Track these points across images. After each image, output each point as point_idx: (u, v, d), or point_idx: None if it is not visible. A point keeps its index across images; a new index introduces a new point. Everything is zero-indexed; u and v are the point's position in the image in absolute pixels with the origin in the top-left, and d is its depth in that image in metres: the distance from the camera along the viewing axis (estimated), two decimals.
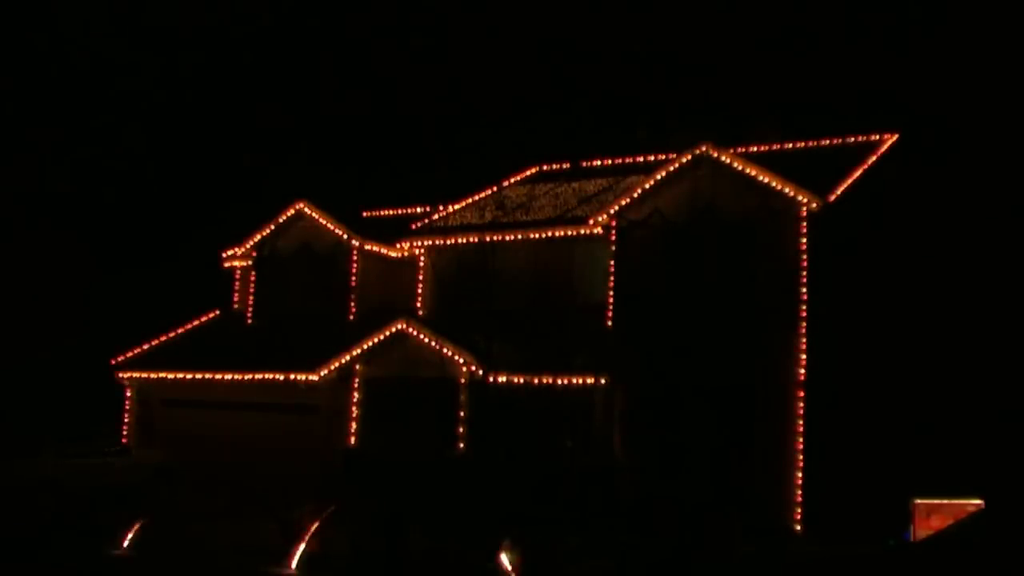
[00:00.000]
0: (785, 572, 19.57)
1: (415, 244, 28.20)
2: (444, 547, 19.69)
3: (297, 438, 26.21)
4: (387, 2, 51.05)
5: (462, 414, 24.61)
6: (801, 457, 22.27)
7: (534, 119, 44.78)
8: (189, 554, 20.20)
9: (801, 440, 22.31)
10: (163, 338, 30.23)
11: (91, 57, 45.79)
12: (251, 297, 30.29)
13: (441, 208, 30.31)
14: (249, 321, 30.12)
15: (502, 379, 23.88)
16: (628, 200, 24.64)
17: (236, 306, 31.28)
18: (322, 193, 31.59)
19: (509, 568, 18.10)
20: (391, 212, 32.72)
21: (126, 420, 29.52)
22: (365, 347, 25.57)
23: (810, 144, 28.06)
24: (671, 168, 24.17)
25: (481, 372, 24.20)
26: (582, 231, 25.55)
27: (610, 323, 24.60)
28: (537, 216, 27.36)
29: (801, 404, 22.42)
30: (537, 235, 26.42)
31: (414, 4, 51.00)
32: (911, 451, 23.16)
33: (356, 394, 25.94)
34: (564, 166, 32.17)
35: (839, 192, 23.37)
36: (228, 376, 27.21)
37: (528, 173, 32.35)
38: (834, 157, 26.16)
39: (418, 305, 27.97)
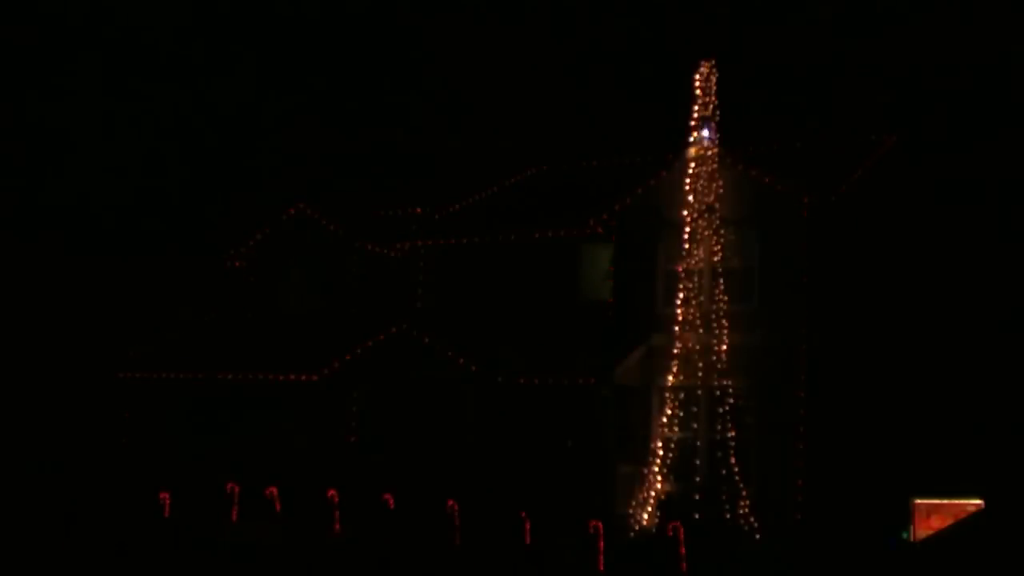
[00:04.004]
0: (785, 572, 19.59)
1: (415, 244, 28.19)
2: None
3: (297, 438, 26.18)
4: (387, 1, 51.04)
5: (462, 414, 24.62)
6: (801, 457, 22.29)
7: (534, 119, 44.77)
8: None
9: (801, 440, 22.33)
10: (163, 338, 30.20)
11: (91, 55, 45.79)
12: (251, 297, 30.28)
13: (441, 208, 30.30)
14: (249, 321, 30.11)
15: (502, 379, 23.89)
16: (628, 200, 24.66)
17: (236, 306, 31.26)
18: (322, 193, 31.58)
19: None
20: (391, 212, 32.70)
21: (126, 420, 29.47)
22: (365, 347, 25.57)
23: (810, 144, 28.07)
24: (671, 168, 24.18)
25: (481, 372, 24.19)
26: (582, 231, 25.54)
27: (610, 323, 24.62)
28: (537, 216, 27.37)
29: (801, 404, 22.43)
30: (537, 235, 26.43)
31: (414, 4, 51.01)
32: (911, 451, 23.19)
33: (356, 394, 25.93)
34: (564, 166, 32.19)
35: (839, 192, 23.38)
36: (228, 376, 27.19)
37: (528, 173, 32.36)
38: (834, 157, 26.16)
39: (418, 305, 27.97)
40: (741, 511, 21.77)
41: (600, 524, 19.38)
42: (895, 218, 25.82)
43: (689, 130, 23.43)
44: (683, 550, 19.14)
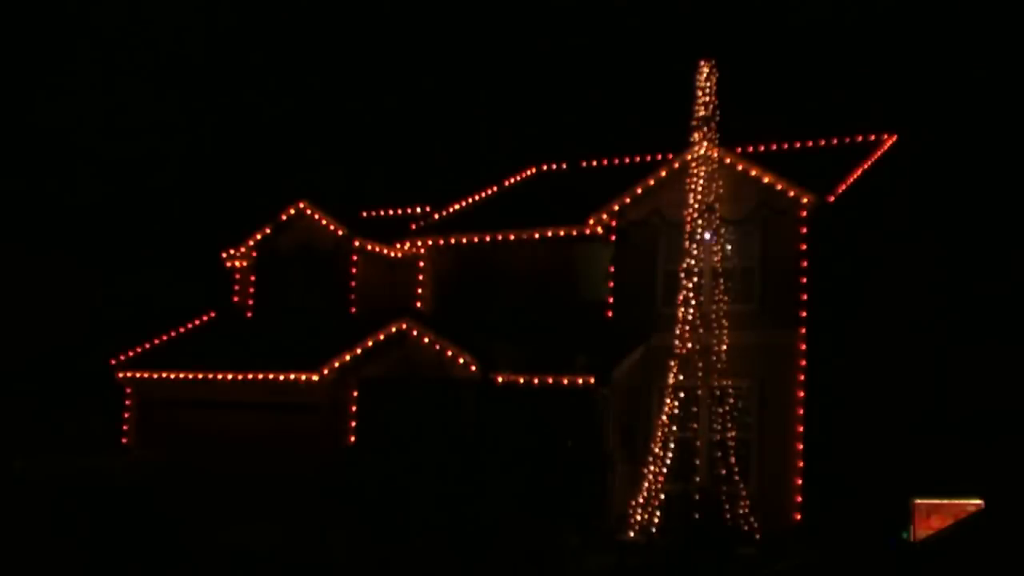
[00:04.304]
0: (785, 572, 19.59)
1: (415, 244, 28.19)
2: None
3: (297, 438, 26.19)
4: (387, 1, 51.03)
5: (463, 414, 24.60)
6: (801, 457, 22.29)
7: (534, 119, 44.79)
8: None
9: (801, 440, 22.33)
10: (163, 338, 30.21)
11: (90, 56, 45.79)
12: (251, 297, 30.29)
13: (441, 208, 30.30)
14: (249, 321, 30.12)
15: (502, 379, 23.89)
16: (628, 200, 24.66)
17: (236, 306, 31.26)
18: (322, 193, 31.57)
19: None
20: (391, 212, 32.73)
21: (126, 420, 29.50)
22: (365, 347, 25.57)
23: (810, 144, 28.08)
24: (671, 168, 24.19)
25: (481, 372, 24.19)
26: (582, 231, 25.54)
27: (610, 323, 24.61)
28: (537, 216, 27.37)
29: (801, 404, 22.43)
30: (537, 235, 26.43)
31: (415, 3, 50.99)
32: (911, 451, 23.19)
33: (356, 394, 25.92)
34: (564, 166, 32.19)
35: (839, 192, 23.38)
36: (228, 376, 27.19)
37: (528, 173, 32.35)
38: (834, 157, 26.17)
39: (418, 305, 27.97)
40: (741, 511, 21.78)
41: (600, 524, 19.39)
42: (895, 218, 25.82)
43: (689, 130, 23.45)
44: (683, 550, 19.14)
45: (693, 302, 22.77)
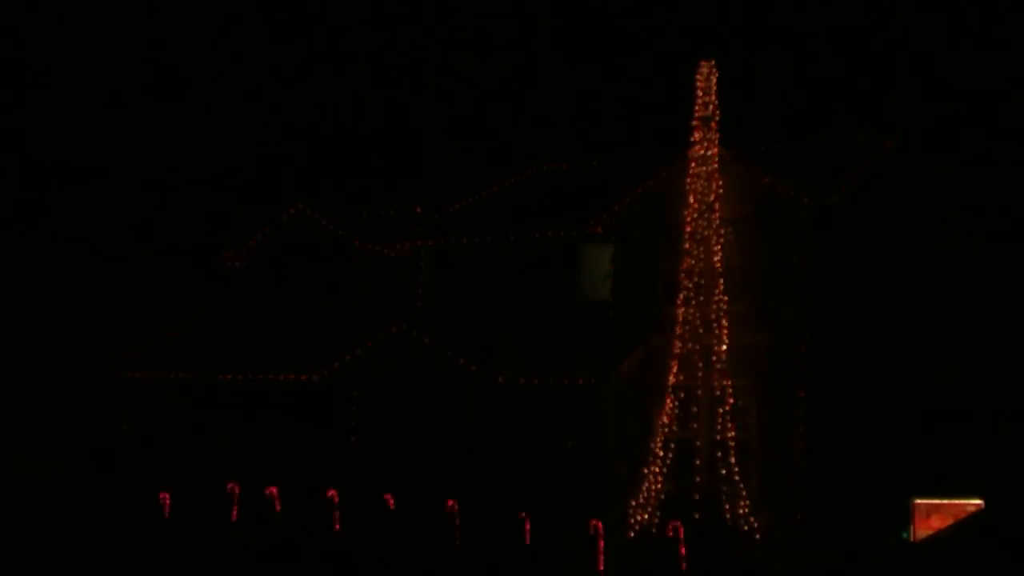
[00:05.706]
0: (785, 572, 19.60)
1: (415, 244, 28.18)
2: None
3: (297, 439, 26.19)
4: (388, 1, 51.03)
5: (463, 414, 24.60)
6: (801, 457, 22.30)
7: (534, 119, 44.78)
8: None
9: (801, 440, 22.34)
10: (163, 338, 30.20)
11: (90, 55, 45.80)
12: (251, 297, 30.29)
13: (441, 208, 30.30)
14: (249, 321, 30.12)
15: (502, 379, 23.90)
16: (628, 200, 24.66)
17: (236, 306, 31.27)
18: (322, 194, 31.61)
19: None
20: (391, 212, 32.72)
21: (126, 420, 29.48)
22: (365, 347, 25.57)
23: (810, 144, 28.10)
24: (671, 168, 24.19)
25: (481, 372, 24.20)
26: (582, 231, 25.54)
27: (611, 323, 24.61)
28: (537, 216, 27.37)
29: (801, 404, 22.44)
30: (537, 235, 26.43)
31: (415, 3, 50.99)
32: (911, 451, 23.20)
33: (356, 394, 25.92)
34: (564, 166, 32.19)
35: (839, 192, 23.39)
36: (228, 376, 27.18)
37: (528, 173, 32.35)
38: (834, 157, 26.19)
39: (418, 305, 27.97)
40: (741, 511, 21.78)
41: (600, 524, 19.38)
42: (895, 218, 25.83)
43: (689, 130, 23.44)
44: (683, 550, 19.14)
45: (693, 302, 22.76)
